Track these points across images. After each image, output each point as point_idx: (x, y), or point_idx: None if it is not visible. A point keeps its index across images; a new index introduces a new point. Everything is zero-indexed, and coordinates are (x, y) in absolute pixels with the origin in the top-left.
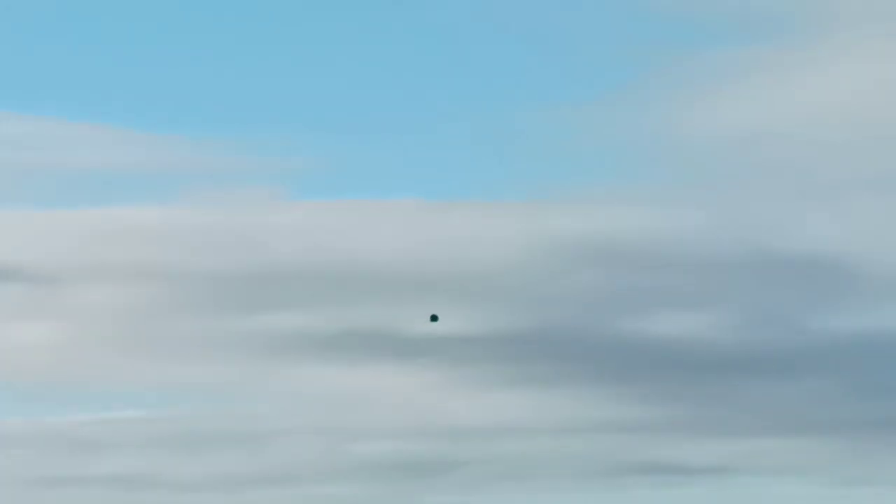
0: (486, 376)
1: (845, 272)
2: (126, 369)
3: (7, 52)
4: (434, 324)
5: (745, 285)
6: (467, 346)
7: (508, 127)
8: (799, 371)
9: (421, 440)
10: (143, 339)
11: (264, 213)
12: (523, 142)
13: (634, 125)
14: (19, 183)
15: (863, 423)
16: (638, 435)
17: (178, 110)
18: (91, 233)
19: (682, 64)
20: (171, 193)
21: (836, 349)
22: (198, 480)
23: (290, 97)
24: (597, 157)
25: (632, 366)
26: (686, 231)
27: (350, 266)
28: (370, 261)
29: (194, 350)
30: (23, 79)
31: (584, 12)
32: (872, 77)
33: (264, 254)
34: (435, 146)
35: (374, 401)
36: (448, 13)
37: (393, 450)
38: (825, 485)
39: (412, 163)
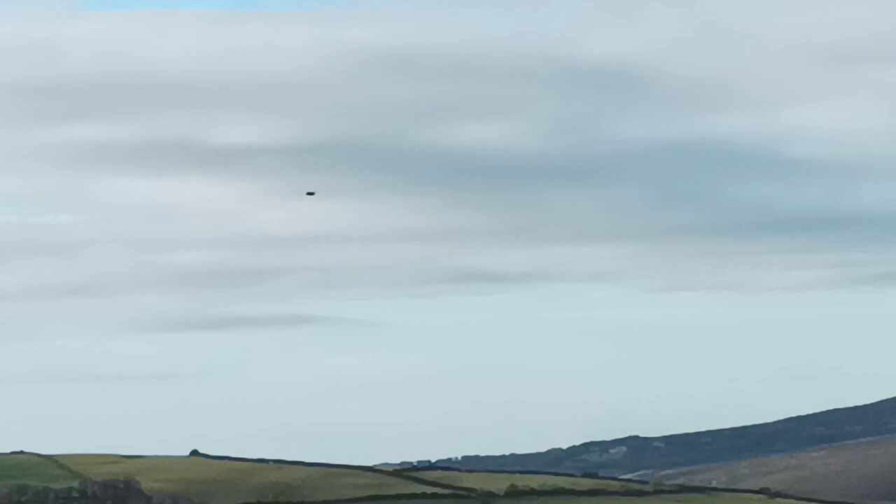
0: (294, 187)
1: (643, 81)
2: None
3: None
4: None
5: (545, 95)
6: (273, 156)
7: None
8: (601, 179)
9: (232, 250)
10: None
11: (58, 24)
12: None
13: None
14: None
15: (666, 230)
16: (446, 243)
17: None
18: None
19: None
20: None
21: (637, 157)
22: (9, 291)
23: None
24: None
25: (437, 175)
26: (484, 42)
27: (146, 77)
28: (166, 71)
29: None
30: None
31: None
32: None
33: (60, 64)
34: None
35: (183, 211)
36: None
37: (205, 259)
38: (632, 290)
39: None
